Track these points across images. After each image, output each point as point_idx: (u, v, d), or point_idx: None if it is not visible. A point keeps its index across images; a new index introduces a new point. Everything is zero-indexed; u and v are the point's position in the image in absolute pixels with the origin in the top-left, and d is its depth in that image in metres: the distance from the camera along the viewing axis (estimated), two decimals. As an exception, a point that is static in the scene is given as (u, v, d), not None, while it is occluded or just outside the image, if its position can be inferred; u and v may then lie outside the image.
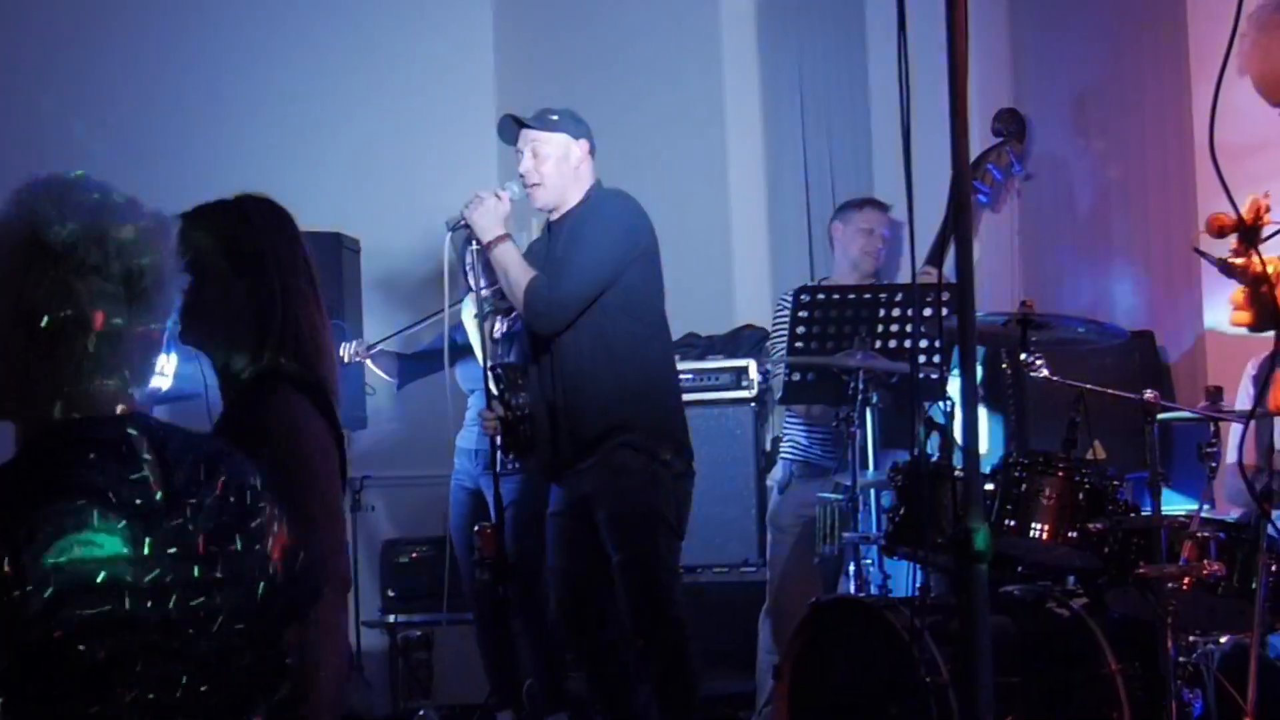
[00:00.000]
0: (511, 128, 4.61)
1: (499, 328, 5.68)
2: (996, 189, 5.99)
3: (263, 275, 2.68)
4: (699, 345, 6.45)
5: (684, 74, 7.15)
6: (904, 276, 5.86)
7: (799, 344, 5.10)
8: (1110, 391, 4.06)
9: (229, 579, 1.94)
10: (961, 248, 2.35)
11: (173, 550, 1.89)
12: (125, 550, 1.84)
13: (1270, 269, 2.65)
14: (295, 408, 2.54)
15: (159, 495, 1.91)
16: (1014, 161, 5.93)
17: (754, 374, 6.14)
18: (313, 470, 2.49)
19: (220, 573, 1.93)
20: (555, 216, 4.61)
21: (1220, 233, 2.70)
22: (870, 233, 5.78)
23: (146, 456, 1.92)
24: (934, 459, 4.30)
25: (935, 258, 5.51)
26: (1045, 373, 4.10)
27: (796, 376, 5.19)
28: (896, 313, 5.05)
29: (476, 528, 4.49)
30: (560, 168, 4.56)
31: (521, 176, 4.57)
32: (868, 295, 5.13)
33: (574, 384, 4.48)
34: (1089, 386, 4.05)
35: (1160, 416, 3.94)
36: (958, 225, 2.34)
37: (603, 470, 4.45)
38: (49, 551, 1.78)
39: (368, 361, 5.88)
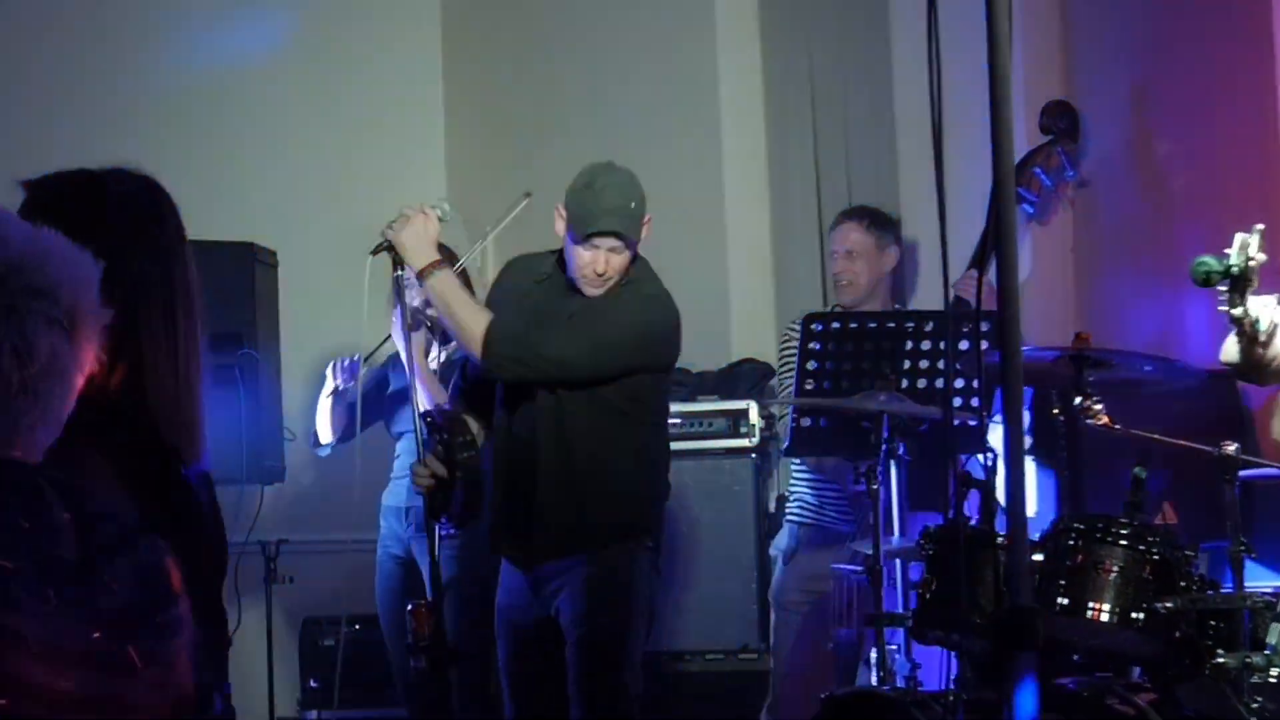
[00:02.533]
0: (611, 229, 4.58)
1: (434, 355, 5.67)
2: (1045, 197, 6.00)
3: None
4: (688, 384, 6.45)
5: (671, 60, 7.16)
6: (933, 299, 5.87)
7: (809, 383, 5.10)
8: (1182, 443, 4.06)
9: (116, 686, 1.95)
10: (1004, 270, 2.36)
11: (74, 619, 1.90)
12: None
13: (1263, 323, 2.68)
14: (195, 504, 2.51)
15: (74, 549, 1.94)
16: (1066, 164, 5.94)
17: (755, 418, 6.14)
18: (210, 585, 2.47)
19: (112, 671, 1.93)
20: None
21: (1206, 282, 2.76)
22: (841, 255, 5.78)
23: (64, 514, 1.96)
24: (972, 523, 4.29)
25: (979, 260, 5.51)
26: (1104, 420, 4.10)
27: (806, 422, 5.19)
28: (927, 345, 5.05)
29: (410, 606, 4.47)
30: (616, 266, 4.58)
31: (593, 264, 4.54)
32: (891, 324, 5.14)
33: (556, 460, 4.49)
34: (1157, 436, 4.05)
35: (1242, 474, 3.94)
36: (999, 241, 2.35)
37: (576, 548, 4.49)
38: None
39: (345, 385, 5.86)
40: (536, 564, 4.57)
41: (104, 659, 1.91)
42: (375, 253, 4.50)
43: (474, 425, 4.59)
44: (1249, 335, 3.20)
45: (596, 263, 4.51)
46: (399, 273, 4.47)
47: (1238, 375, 3.05)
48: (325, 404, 5.86)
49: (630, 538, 4.53)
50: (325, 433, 5.86)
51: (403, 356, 5.15)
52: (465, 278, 5.38)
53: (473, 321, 4.47)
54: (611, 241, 4.52)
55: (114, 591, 1.95)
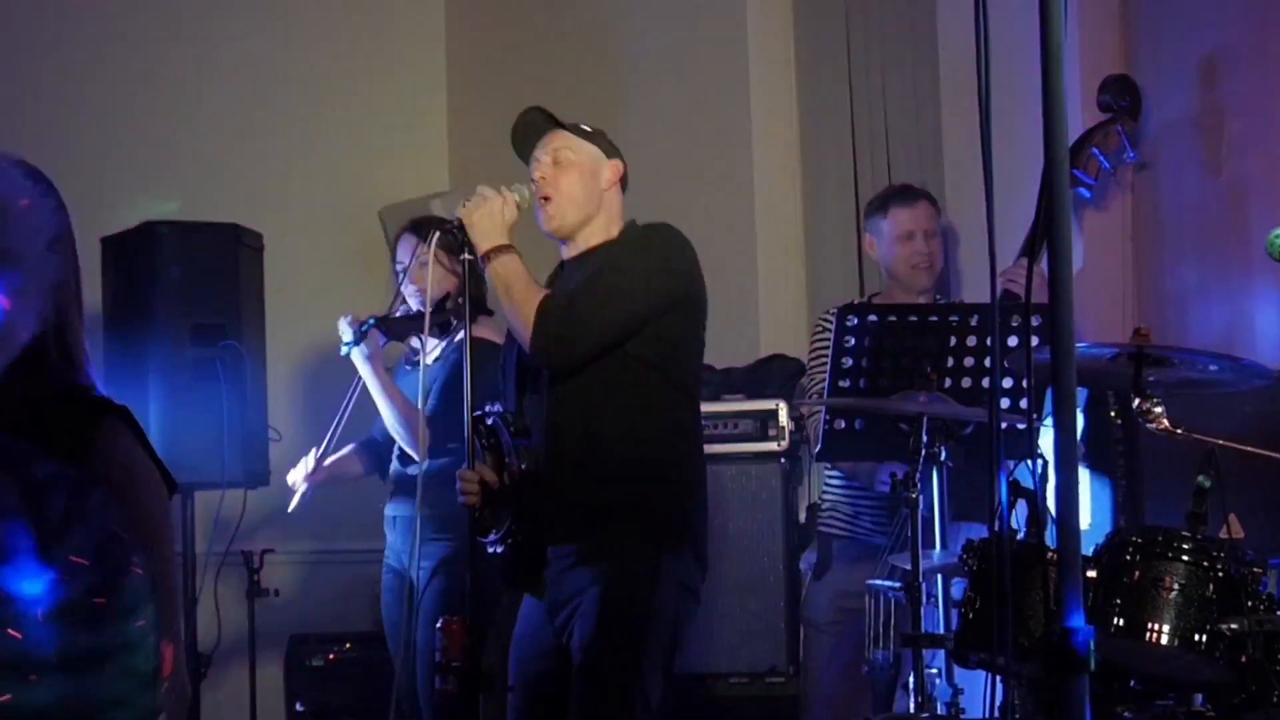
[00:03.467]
0: (537, 126, 4.65)
1: (424, 350, 5.68)
2: (1103, 180, 5.98)
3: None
4: (713, 381, 6.44)
5: (693, 33, 7.17)
6: (979, 292, 5.85)
7: (843, 381, 5.08)
8: (1250, 450, 4.05)
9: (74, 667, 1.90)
10: (1056, 259, 2.35)
11: (44, 608, 1.87)
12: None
13: None
14: (128, 452, 2.43)
15: (30, 534, 1.89)
16: (1126, 145, 5.92)
17: (784, 419, 6.13)
18: (158, 538, 2.40)
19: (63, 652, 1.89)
20: (570, 253, 4.64)
21: None
22: (910, 236, 5.76)
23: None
24: (1020, 536, 4.28)
25: (1030, 249, 5.49)
26: (1165, 424, 4.09)
27: (840, 424, 5.17)
28: (972, 341, 5.04)
29: (440, 623, 4.47)
30: (586, 184, 4.61)
31: (534, 183, 4.60)
32: (934, 318, 5.13)
33: (575, 445, 4.46)
34: (1222, 442, 4.03)
35: (1317, 483, 3.93)
36: (1052, 228, 2.34)
37: (593, 562, 4.43)
38: None
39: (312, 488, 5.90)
40: (549, 565, 4.50)
41: (84, 659, 1.87)
42: (444, 230, 4.57)
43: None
44: None
45: (537, 170, 4.60)
46: (465, 256, 4.53)
47: None
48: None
49: (663, 541, 4.44)
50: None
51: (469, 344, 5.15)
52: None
53: (529, 301, 4.45)
54: (550, 138, 4.60)
55: (77, 576, 1.90)
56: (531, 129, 4.66)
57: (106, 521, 1.95)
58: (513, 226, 4.55)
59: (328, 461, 5.91)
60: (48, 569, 1.86)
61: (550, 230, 4.63)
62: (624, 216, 4.68)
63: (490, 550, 4.51)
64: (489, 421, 4.51)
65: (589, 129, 4.68)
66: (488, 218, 4.50)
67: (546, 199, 4.58)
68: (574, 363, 4.46)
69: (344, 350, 5.62)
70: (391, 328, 5.68)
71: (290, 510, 5.87)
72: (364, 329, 5.60)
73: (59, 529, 1.89)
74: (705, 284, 4.62)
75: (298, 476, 5.88)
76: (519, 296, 4.46)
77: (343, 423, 5.85)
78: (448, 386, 5.57)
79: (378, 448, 5.99)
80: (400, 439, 5.65)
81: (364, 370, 5.62)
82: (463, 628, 4.39)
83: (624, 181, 4.69)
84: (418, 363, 5.65)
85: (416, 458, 5.44)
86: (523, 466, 4.42)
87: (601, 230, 4.62)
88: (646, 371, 4.49)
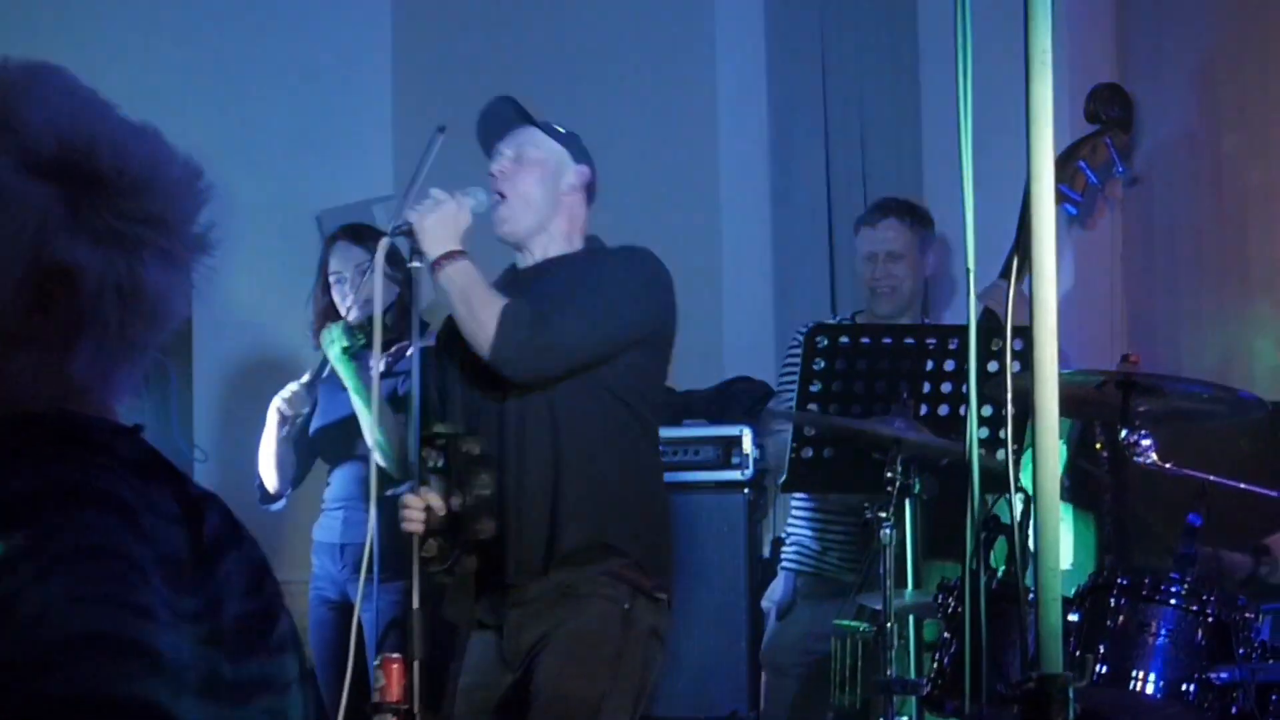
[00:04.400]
0: (505, 118, 4.62)
1: (376, 364, 5.65)
2: (1091, 196, 6.00)
3: None
4: (674, 404, 6.42)
5: (658, 41, 7.17)
6: (961, 309, 5.85)
7: (811, 406, 5.08)
8: (1244, 486, 4.05)
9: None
10: (1039, 278, 2.35)
11: (196, 628, 1.79)
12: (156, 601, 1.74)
13: None
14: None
15: (187, 546, 1.82)
16: (1115, 158, 5.94)
17: (749, 447, 6.12)
18: None
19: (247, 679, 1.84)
20: (526, 262, 4.61)
21: None
22: (871, 259, 5.77)
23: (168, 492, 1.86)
24: (998, 576, 4.27)
25: (1012, 268, 5.49)
26: (1154, 457, 4.09)
27: (807, 453, 5.17)
28: (951, 366, 5.04)
29: (378, 660, 4.43)
30: (546, 185, 4.58)
31: (491, 177, 4.56)
32: (909, 340, 5.12)
33: (541, 478, 4.42)
34: (1214, 479, 4.03)
35: (1315, 523, 3.93)
36: (1034, 245, 2.34)
37: (559, 605, 4.40)
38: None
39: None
40: (509, 609, 4.46)
41: (226, 689, 1.81)
42: (394, 235, 4.51)
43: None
44: None
45: (496, 165, 4.58)
46: (414, 263, 4.48)
47: None
48: (271, 449, 5.76)
49: (634, 583, 4.41)
50: (273, 479, 5.77)
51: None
52: None
53: (489, 308, 4.39)
54: (513, 137, 4.58)
55: (230, 599, 1.85)
56: (498, 120, 4.63)
57: (261, 555, 1.95)
58: (466, 234, 4.49)
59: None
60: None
61: (503, 233, 4.59)
62: (587, 229, 4.66)
63: (435, 581, 4.48)
64: (438, 441, 4.47)
65: (562, 130, 4.66)
66: (440, 223, 4.44)
67: (501, 196, 4.55)
68: (538, 375, 4.40)
69: (342, 354, 5.54)
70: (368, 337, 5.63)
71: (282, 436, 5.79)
72: (362, 334, 5.54)
73: (216, 552, 1.87)
74: (676, 318, 4.61)
75: (289, 393, 5.80)
76: (478, 303, 4.40)
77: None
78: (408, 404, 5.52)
79: (305, 450, 5.89)
80: (379, 455, 5.58)
81: (352, 381, 5.55)
82: (403, 666, 4.36)
83: (590, 191, 4.66)
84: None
85: (395, 473, 5.40)
86: (479, 494, 4.37)
87: (562, 240, 4.59)
88: (615, 404, 4.47)
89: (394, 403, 5.54)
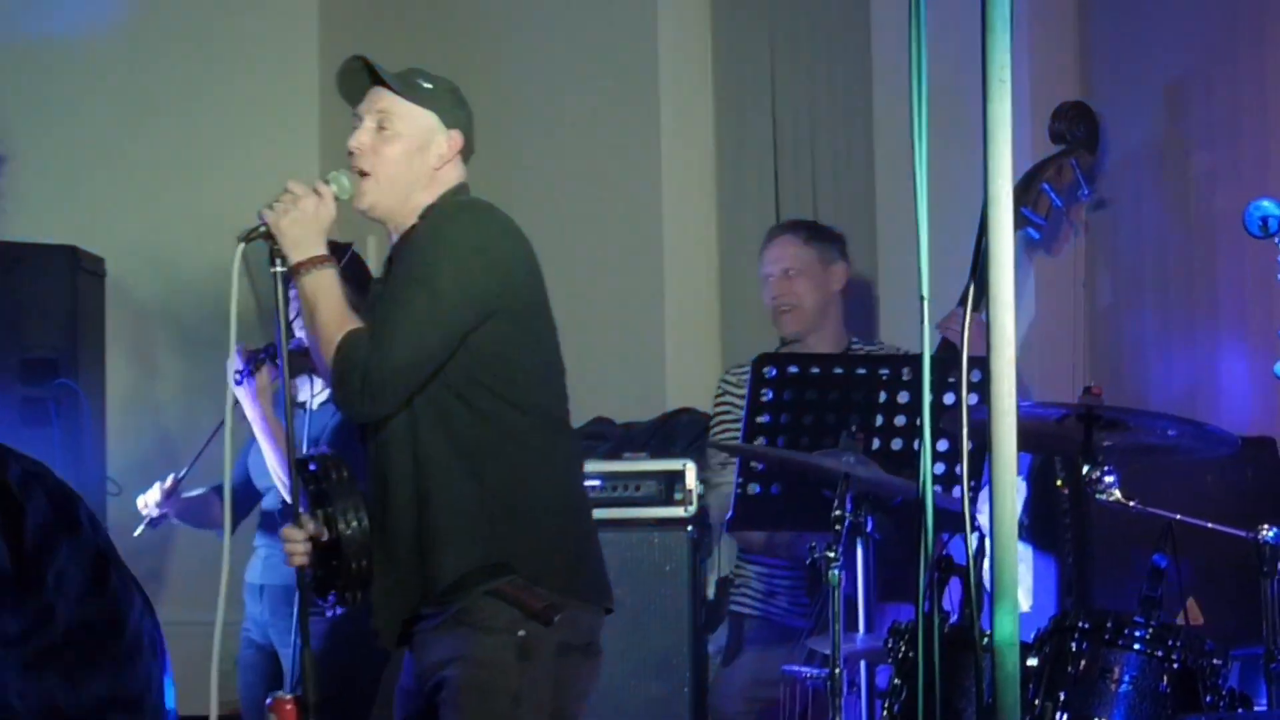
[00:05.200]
0: (358, 79, 4.42)
1: (310, 390, 5.62)
2: (1055, 219, 6.01)
3: None
4: (612, 437, 6.42)
5: (599, 56, 7.17)
6: (913, 342, 5.87)
7: (759, 439, 5.08)
8: (1212, 526, 4.06)
9: None
10: (997, 305, 2.35)
11: (22, 650, 1.70)
12: None
13: None
14: None
15: (5, 552, 1.72)
16: (1080, 180, 5.96)
17: (692, 482, 6.11)
18: None
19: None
20: (395, 239, 4.46)
21: (1264, 230, 2.78)
22: (768, 278, 5.80)
23: None
24: (952, 619, 4.28)
25: (971, 295, 5.50)
26: (1118, 494, 4.10)
27: (754, 489, 5.17)
28: (905, 398, 5.04)
29: (270, 700, 4.41)
30: (411, 161, 4.36)
31: (350, 154, 4.37)
32: (861, 370, 5.13)
33: (405, 499, 4.33)
34: (1180, 517, 4.05)
35: (1285, 564, 3.94)
36: (992, 271, 2.34)
37: (455, 630, 4.33)
38: None
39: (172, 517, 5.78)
40: (415, 641, 4.42)
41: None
42: (248, 239, 4.27)
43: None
44: None
45: (355, 139, 4.35)
46: (276, 268, 4.27)
47: None
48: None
49: (528, 607, 4.33)
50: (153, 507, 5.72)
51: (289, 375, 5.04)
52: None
53: (332, 333, 4.24)
54: (374, 97, 4.37)
55: (64, 604, 1.74)
56: (356, 83, 4.42)
57: (101, 543, 1.83)
58: (329, 227, 4.31)
59: (187, 495, 5.80)
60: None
61: (362, 210, 4.39)
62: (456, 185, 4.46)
63: (329, 614, 4.44)
64: (310, 468, 4.35)
65: (428, 85, 4.42)
66: (299, 223, 4.24)
67: (364, 175, 4.33)
68: (379, 415, 4.27)
69: (232, 381, 5.51)
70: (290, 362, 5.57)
71: (136, 535, 5.75)
72: (260, 358, 5.48)
73: (45, 555, 1.77)
74: (536, 273, 4.39)
75: (150, 500, 5.75)
76: (323, 325, 4.26)
77: (199, 458, 5.76)
78: (337, 432, 5.50)
79: (234, 497, 5.89)
80: (284, 488, 5.56)
81: (249, 408, 5.51)
82: (296, 706, 4.33)
83: (466, 152, 4.45)
84: (303, 405, 5.58)
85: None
86: (352, 524, 4.31)
87: (418, 206, 4.38)
88: (478, 396, 4.28)
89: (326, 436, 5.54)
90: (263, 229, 4.25)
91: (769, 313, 5.85)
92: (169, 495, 5.72)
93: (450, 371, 4.26)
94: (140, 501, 5.76)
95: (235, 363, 5.42)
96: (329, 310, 4.27)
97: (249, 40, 7.48)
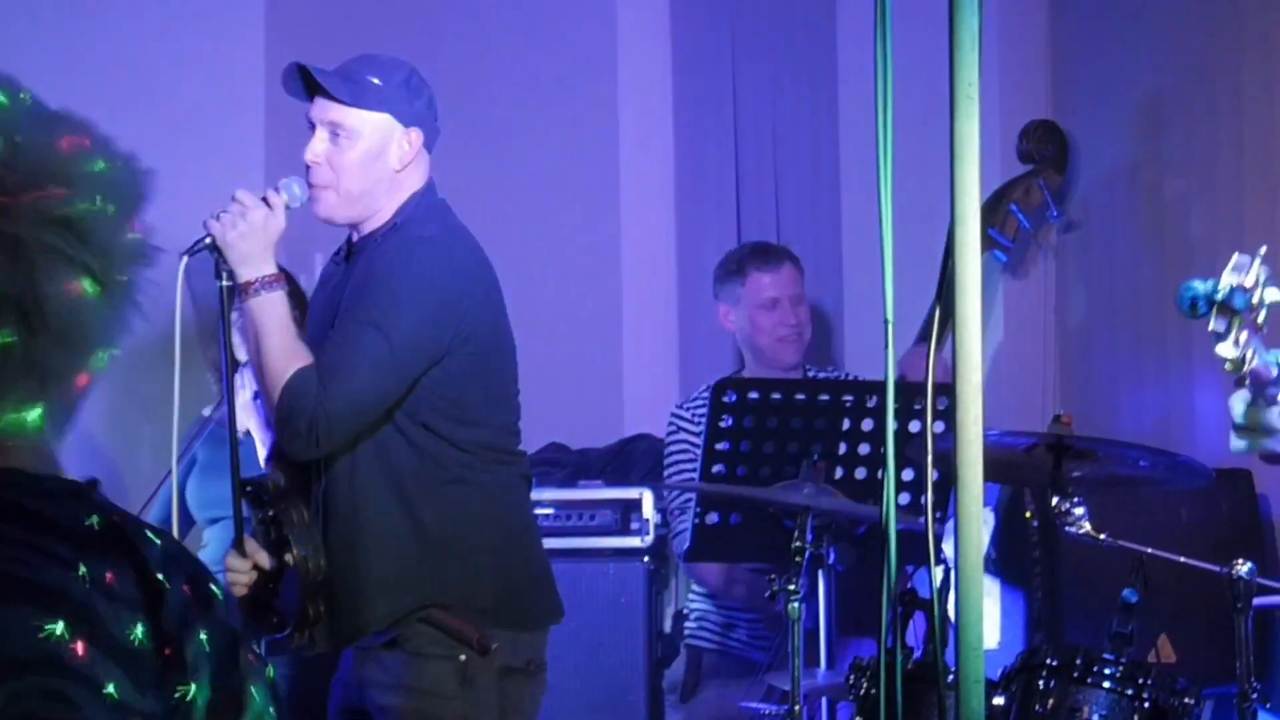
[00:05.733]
0: (297, 84, 4.34)
1: (252, 414, 5.58)
2: (1022, 241, 6.02)
3: None
4: (566, 464, 6.40)
5: (554, 64, 7.17)
6: (876, 371, 5.87)
7: (717, 467, 5.07)
8: (1185, 560, 4.06)
9: None
10: (963, 332, 2.34)
11: None
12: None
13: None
14: None
15: (142, 632, 1.73)
16: (1049, 201, 5.97)
17: (650, 511, 6.10)
18: None
19: None
20: (361, 233, 4.36)
21: (1193, 311, 2.81)
22: (774, 304, 5.77)
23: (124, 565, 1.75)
24: (916, 655, 4.27)
25: (932, 327, 5.51)
26: (1087, 527, 4.10)
27: (712, 518, 5.16)
28: (869, 425, 5.04)
29: None
30: (369, 166, 4.28)
31: (306, 167, 4.28)
32: (824, 396, 5.12)
33: (344, 532, 4.30)
34: (1152, 551, 4.04)
35: (1257, 601, 3.94)
36: (959, 297, 2.33)
37: (395, 651, 4.31)
38: None
39: None
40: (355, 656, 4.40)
41: None
42: (192, 252, 4.15)
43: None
44: (1249, 385, 3.22)
45: (311, 149, 4.26)
46: (223, 282, 4.18)
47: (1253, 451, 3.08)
48: None
49: (466, 639, 4.31)
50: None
51: (233, 396, 4.97)
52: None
53: (280, 372, 4.17)
54: (322, 108, 4.26)
55: (200, 686, 1.75)
56: (293, 85, 4.33)
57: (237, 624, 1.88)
58: (279, 239, 4.22)
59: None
60: None
61: (322, 218, 4.32)
62: (422, 183, 4.37)
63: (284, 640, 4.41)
64: (248, 489, 4.26)
65: (376, 80, 4.30)
66: (247, 236, 4.15)
67: (321, 187, 4.25)
68: (322, 452, 4.22)
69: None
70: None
71: None
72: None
73: (186, 629, 1.80)
74: (495, 306, 4.35)
75: None
76: (270, 355, 4.19)
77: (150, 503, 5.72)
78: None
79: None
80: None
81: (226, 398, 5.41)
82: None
83: (429, 143, 4.37)
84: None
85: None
86: (303, 547, 4.25)
87: (389, 214, 4.32)
88: (420, 433, 4.25)
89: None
90: (208, 241, 4.16)
91: (764, 340, 5.77)
92: None
93: (399, 412, 4.24)
94: None
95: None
96: (277, 339, 4.20)
97: (190, 44, 7.46)
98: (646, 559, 6.05)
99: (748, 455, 5.05)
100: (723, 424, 5.07)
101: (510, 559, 4.39)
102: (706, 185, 6.96)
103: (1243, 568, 3.95)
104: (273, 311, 4.20)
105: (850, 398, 5.09)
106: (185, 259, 4.13)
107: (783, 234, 6.63)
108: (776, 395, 5.13)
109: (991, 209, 5.82)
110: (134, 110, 7.27)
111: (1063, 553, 5.16)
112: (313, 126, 4.30)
